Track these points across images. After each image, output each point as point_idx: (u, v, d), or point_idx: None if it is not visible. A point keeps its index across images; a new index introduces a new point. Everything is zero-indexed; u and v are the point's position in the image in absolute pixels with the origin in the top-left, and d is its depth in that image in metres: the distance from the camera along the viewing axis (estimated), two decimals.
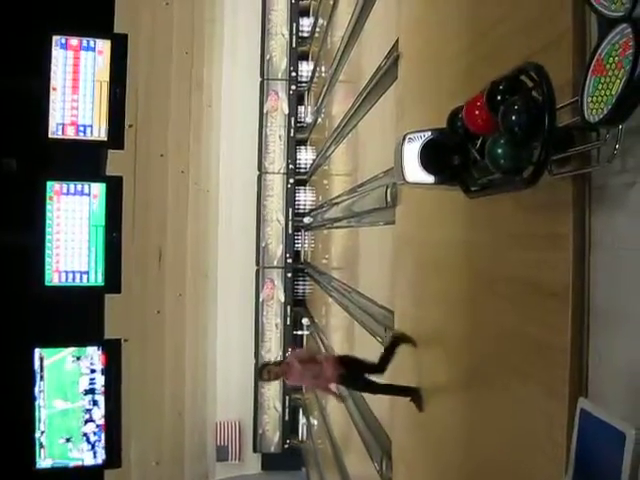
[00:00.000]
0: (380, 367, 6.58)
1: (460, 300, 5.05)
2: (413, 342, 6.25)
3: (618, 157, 2.77)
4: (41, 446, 9.95)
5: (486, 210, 4.29)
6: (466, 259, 4.95)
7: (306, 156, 19.54)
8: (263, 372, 6.79)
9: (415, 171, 4.36)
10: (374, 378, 6.74)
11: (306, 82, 19.52)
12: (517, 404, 3.78)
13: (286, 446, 18.74)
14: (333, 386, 7.03)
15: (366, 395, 9.42)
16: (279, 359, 7.15)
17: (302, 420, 18.85)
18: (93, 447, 10.19)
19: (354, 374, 6.66)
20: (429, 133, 4.26)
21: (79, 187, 9.13)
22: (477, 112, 3.38)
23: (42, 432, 9.96)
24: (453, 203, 4.89)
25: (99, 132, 9.07)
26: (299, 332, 19.17)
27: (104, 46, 9.12)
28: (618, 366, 2.96)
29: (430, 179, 4.23)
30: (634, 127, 2.69)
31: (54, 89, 8.87)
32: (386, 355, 6.57)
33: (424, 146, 4.09)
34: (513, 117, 3.01)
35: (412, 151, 4.35)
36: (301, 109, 19.62)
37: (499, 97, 3.18)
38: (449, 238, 5.46)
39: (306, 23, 19.36)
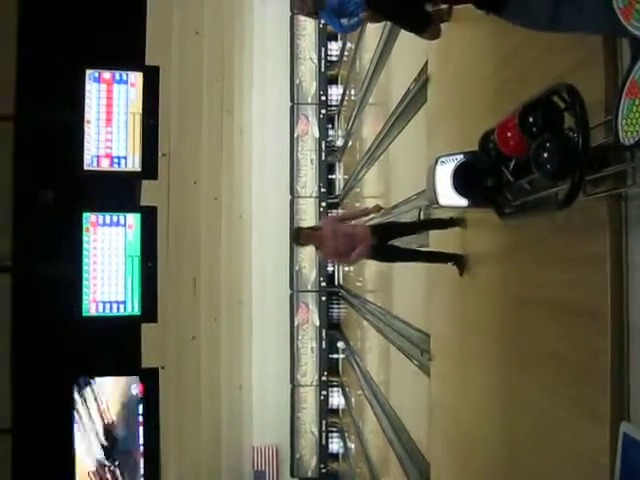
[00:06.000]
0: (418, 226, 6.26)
1: (495, 323, 5.01)
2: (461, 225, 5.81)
3: None
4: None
5: (520, 232, 4.27)
6: (500, 280, 4.91)
7: (338, 178, 19.64)
8: (300, 237, 6.34)
9: (448, 194, 4.37)
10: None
11: (336, 106, 19.66)
12: (557, 428, 3.73)
13: (323, 470, 18.68)
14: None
15: (401, 414, 9.35)
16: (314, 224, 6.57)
17: (339, 444, 18.77)
18: (133, 474, 10.22)
19: (388, 237, 6.22)
20: (461, 156, 4.27)
21: (114, 218, 9.21)
22: (509, 134, 3.38)
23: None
24: (486, 225, 4.87)
25: (133, 163, 9.15)
26: (335, 355, 19.16)
27: (136, 78, 9.23)
28: None
29: (463, 202, 4.23)
30: None
31: (88, 122, 8.99)
32: (432, 223, 6.21)
33: (457, 169, 4.10)
34: (545, 155, 3.01)
35: (445, 174, 4.35)
36: (331, 132, 19.76)
37: (531, 119, 3.18)
38: (483, 260, 5.43)
39: (334, 47, 19.54)
